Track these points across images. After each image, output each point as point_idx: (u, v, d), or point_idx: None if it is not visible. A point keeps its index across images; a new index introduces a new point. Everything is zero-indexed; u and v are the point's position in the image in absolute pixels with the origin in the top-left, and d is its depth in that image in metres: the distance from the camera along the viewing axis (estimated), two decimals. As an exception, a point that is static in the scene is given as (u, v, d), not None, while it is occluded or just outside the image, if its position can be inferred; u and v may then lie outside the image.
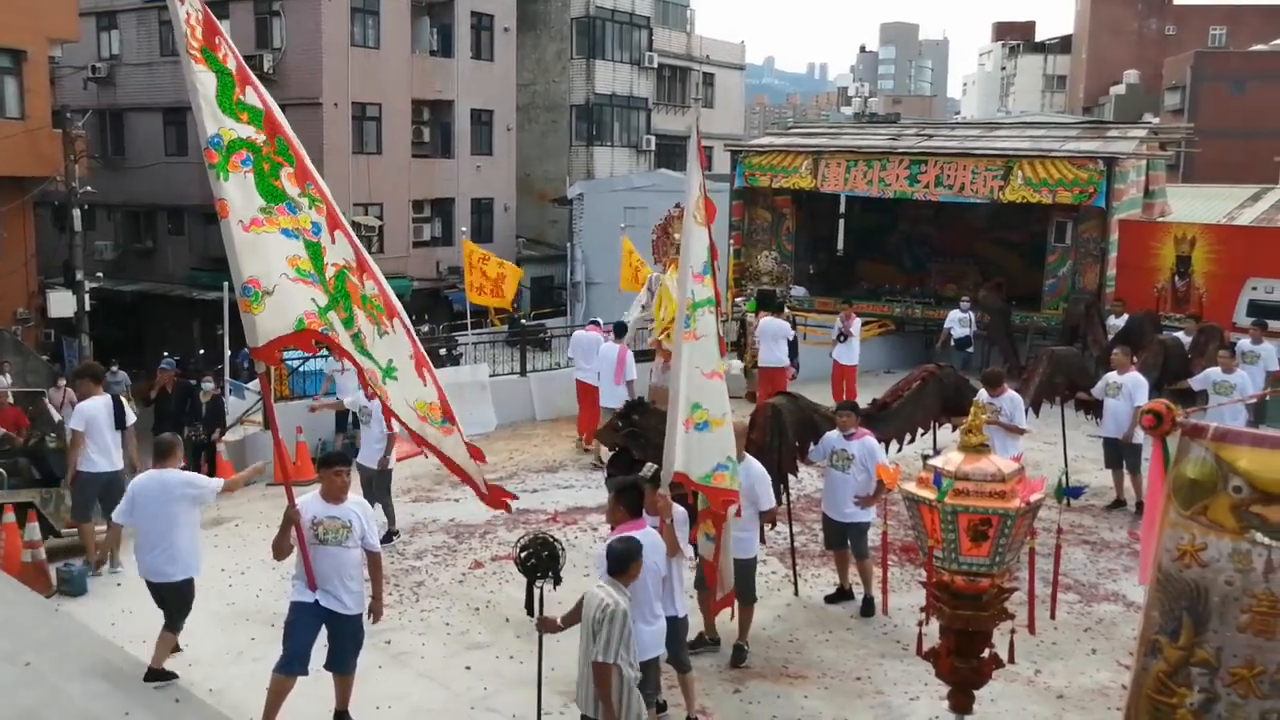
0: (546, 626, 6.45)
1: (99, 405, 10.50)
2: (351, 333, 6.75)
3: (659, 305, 16.35)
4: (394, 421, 7.38)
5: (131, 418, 10.82)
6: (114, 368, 23.69)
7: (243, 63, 6.65)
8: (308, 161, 6.81)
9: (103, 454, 10.46)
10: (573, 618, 6.39)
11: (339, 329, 6.65)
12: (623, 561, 5.98)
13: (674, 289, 15.42)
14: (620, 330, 15.87)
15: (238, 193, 6.51)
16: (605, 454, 15.16)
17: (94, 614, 9.25)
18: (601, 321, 16.56)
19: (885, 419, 10.06)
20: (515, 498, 8.21)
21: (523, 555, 6.61)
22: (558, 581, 6.65)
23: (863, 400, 10.43)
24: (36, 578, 9.94)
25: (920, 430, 10.59)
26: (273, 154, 6.60)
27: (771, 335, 17.36)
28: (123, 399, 10.79)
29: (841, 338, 17.82)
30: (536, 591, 6.57)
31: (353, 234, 7.02)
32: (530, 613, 6.52)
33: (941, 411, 10.62)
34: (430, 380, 7.18)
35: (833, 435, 9.39)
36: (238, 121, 6.53)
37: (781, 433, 9.21)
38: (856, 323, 18.19)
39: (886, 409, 10.14)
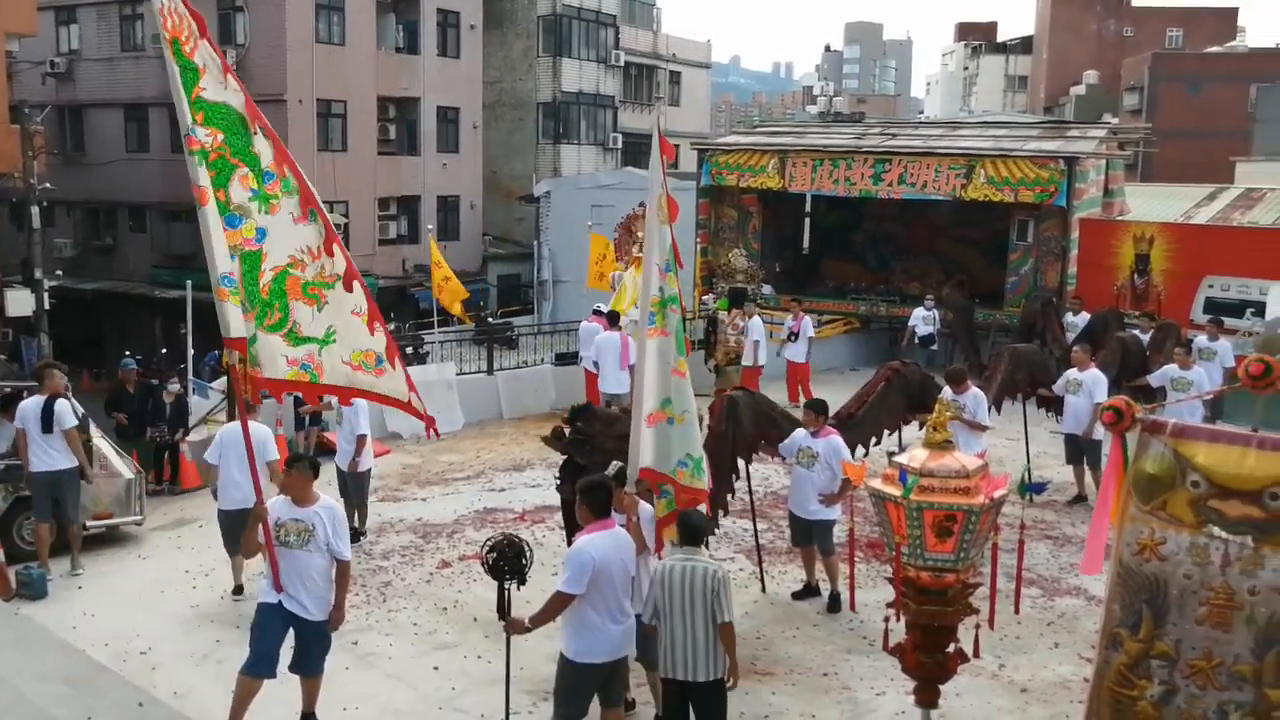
0: (515, 628, 6.44)
1: (31, 405, 10.37)
2: (283, 332, 6.75)
3: (619, 301, 16.40)
4: (326, 395, 7.49)
5: (67, 422, 10.46)
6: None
7: (213, 55, 6.54)
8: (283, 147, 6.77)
9: (37, 455, 10.33)
10: (542, 618, 6.41)
11: (273, 348, 6.74)
12: (700, 532, 6.66)
13: (634, 286, 15.60)
14: (614, 318, 15.98)
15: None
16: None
17: (55, 617, 9.15)
18: (602, 309, 16.64)
19: (853, 427, 10.12)
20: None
21: (490, 556, 6.59)
22: (523, 582, 6.67)
23: (823, 395, 10.47)
24: (-4, 581, 9.81)
25: (888, 431, 10.67)
26: (226, 156, 6.50)
27: (760, 334, 17.52)
28: (56, 402, 10.50)
29: (791, 337, 18.03)
30: (505, 592, 6.57)
31: (324, 211, 6.97)
32: (502, 616, 6.51)
33: (908, 410, 10.69)
34: (381, 331, 7.19)
35: (800, 433, 9.46)
36: (194, 121, 6.43)
37: (737, 421, 9.26)
38: (806, 321, 18.37)
39: (853, 418, 10.18)
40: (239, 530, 7.78)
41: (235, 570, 9.92)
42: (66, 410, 10.48)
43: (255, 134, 6.63)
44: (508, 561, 6.50)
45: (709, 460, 9.04)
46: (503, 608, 6.51)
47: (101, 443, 11.71)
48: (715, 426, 9.20)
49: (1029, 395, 12.92)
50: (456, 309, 21.14)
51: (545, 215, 36.15)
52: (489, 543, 6.68)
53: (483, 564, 6.64)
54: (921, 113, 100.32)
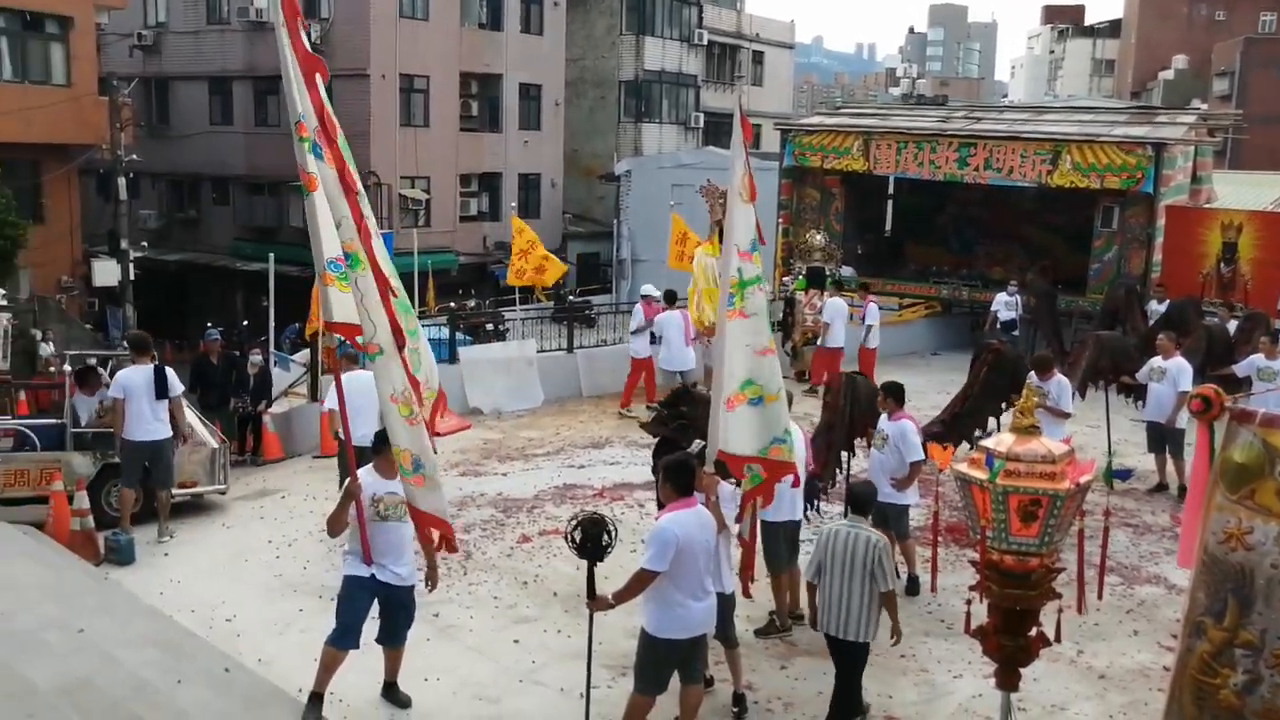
0: (598, 605, 6.50)
1: (137, 374, 10.58)
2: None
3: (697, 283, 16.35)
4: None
5: (178, 388, 10.89)
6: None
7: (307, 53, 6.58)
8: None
9: (141, 423, 10.54)
10: (625, 595, 6.49)
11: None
12: (868, 502, 7.27)
13: (699, 271, 15.60)
14: (671, 297, 16.06)
15: (327, 176, 6.47)
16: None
17: (142, 583, 9.41)
18: (652, 294, 16.70)
19: (962, 419, 10.05)
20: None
21: (575, 534, 6.62)
22: (596, 560, 6.60)
23: (902, 380, 10.40)
24: (85, 546, 10.15)
25: (999, 414, 10.52)
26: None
27: (839, 315, 17.45)
28: (167, 369, 10.90)
29: (858, 322, 18.02)
30: (592, 570, 6.61)
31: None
32: (590, 595, 6.56)
33: (1012, 389, 10.57)
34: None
35: (883, 415, 9.48)
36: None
37: (855, 401, 9.27)
38: (872, 307, 18.26)
39: (958, 416, 10.11)
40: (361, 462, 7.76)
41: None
42: (175, 378, 10.84)
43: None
44: (592, 539, 6.55)
45: (821, 438, 9.15)
46: (591, 587, 6.55)
47: (187, 412, 12.02)
48: (834, 403, 9.26)
49: (1110, 382, 12.76)
50: (548, 282, 21.16)
51: (625, 194, 36.25)
52: (574, 520, 6.72)
53: (567, 540, 6.69)
54: (1005, 96, 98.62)
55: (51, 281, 27.57)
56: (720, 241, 15.18)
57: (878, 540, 6.93)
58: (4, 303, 13.76)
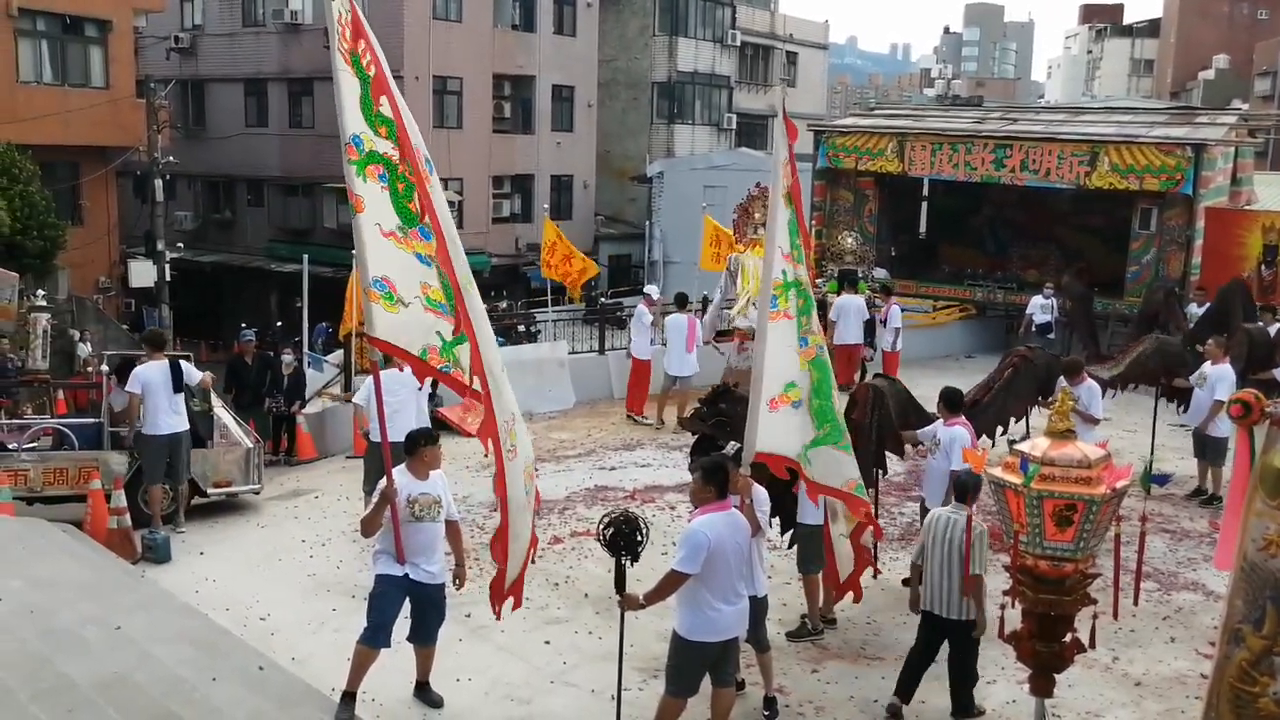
0: (629, 604, 6.51)
1: (154, 369, 10.76)
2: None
3: (744, 284, 16.29)
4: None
5: (194, 377, 11.03)
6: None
7: (384, 70, 6.66)
8: (428, 186, 6.72)
9: (161, 416, 10.74)
10: (656, 596, 6.49)
11: (462, 364, 6.62)
12: (967, 489, 7.42)
13: (751, 269, 15.51)
14: (682, 301, 16.04)
15: (374, 200, 6.53)
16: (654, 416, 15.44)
17: (178, 582, 9.48)
18: (653, 294, 16.72)
19: (979, 414, 9.99)
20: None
21: (607, 532, 6.63)
22: (636, 559, 6.67)
23: (933, 383, 10.37)
24: (122, 544, 10.25)
25: (1014, 419, 10.49)
26: (407, 174, 6.60)
27: (850, 312, 17.41)
28: (182, 361, 11.03)
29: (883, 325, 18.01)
30: (621, 568, 6.64)
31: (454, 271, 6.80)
32: (619, 590, 6.61)
33: (1037, 395, 10.51)
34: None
35: (937, 423, 9.42)
36: (376, 135, 6.55)
37: (882, 412, 9.22)
38: (894, 310, 18.20)
39: (978, 405, 10.05)
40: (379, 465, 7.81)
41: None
42: (192, 368, 11.00)
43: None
44: (624, 537, 6.55)
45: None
46: (620, 582, 6.59)
47: (221, 411, 12.11)
48: (859, 417, 9.09)
49: (1156, 383, 12.64)
50: (579, 282, 21.20)
51: (658, 196, 36.25)
52: (606, 518, 6.73)
53: (599, 539, 6.72)
54: (1042, 97, 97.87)
55: (89, 282, 27.88)
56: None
57: (980, 528, 7.35)
58: (43, 303, 13.91)
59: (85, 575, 8.29)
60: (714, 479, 6.63)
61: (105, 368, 12.16)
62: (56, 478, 10.98)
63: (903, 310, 19.04)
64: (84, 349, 18.85)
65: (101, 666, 6.28)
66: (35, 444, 11.26)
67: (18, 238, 22.51)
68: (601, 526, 6.69)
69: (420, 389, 10.84)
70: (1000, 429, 10.33)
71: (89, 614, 7.26)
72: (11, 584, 7.39)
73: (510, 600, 7.25)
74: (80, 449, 11.27)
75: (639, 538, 6.56)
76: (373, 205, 6.49)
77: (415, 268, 6.59)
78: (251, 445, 12.09)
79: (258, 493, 12.18)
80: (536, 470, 7.14)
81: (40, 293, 15.89)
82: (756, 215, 15.65)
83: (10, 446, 11.18)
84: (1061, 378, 11.11)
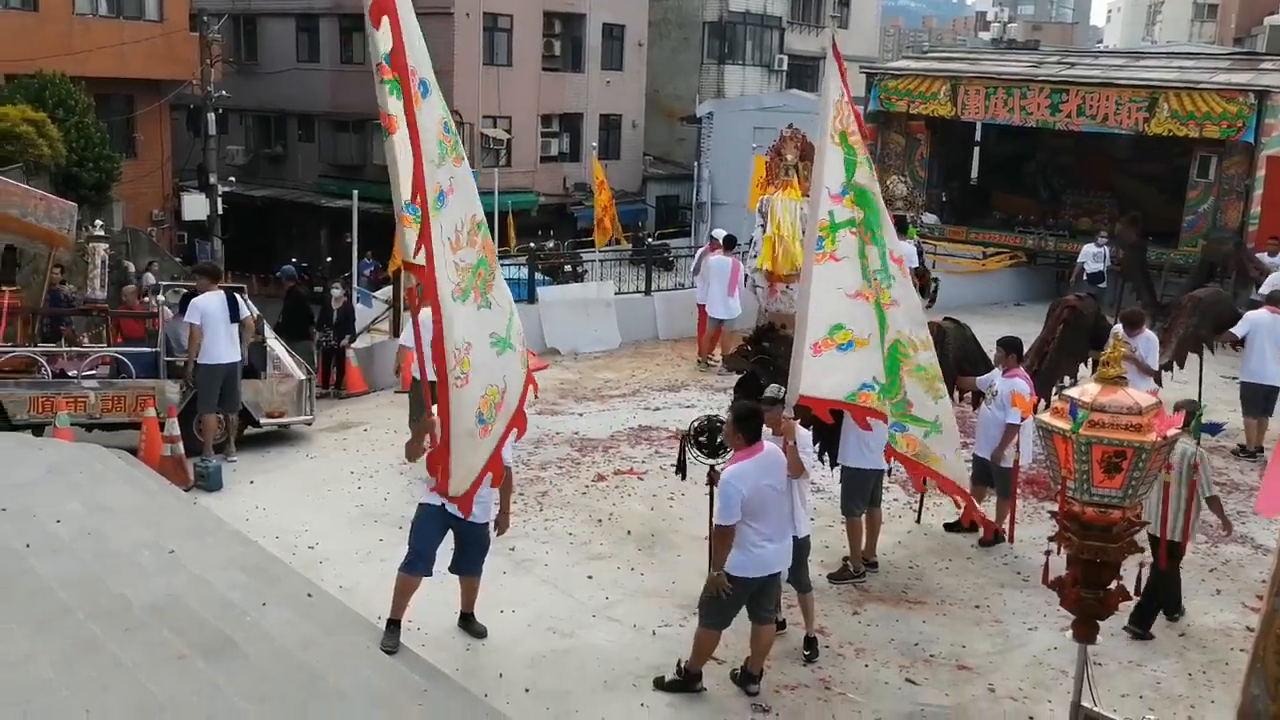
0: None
1: (213, 300, 10.94)
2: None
3: (773, 227, 16.12)
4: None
5: (246, 310, 11.24)
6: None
7: None
8: (415, 107, 6.32)
9: (220, 346, 10.95)
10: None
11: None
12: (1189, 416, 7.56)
13: (780, 211, 15.38)
14: (730, 243, 15.89)
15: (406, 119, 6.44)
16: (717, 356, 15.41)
17: (229, 509, 9.62)
18: (717, 236, 16.55)
19: (1039, 378, 9.87)
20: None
21: (698, 436, 7.42)
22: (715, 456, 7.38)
23: (983, 330, 10.26)
24: (175, 471, 10.42)
25: (1069, 378, 10.32)
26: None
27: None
28: (236, 295, 11.20)
29: None
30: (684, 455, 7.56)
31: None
32: (681, 476, 7.74)
33: (1089, 348, 10.36)
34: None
35: (995, 371, 9.34)
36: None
37: (943, 354, 9.14)
38: (910, 249, 17.85)
39: (1038, 373, 9.91)
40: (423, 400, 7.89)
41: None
42: (246, 301, 11.21)
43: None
44: (708, 434, 7.19)
45: None
46: (684, 469, 7.68)
47: (274, 343, 12.28)
48: None
49: (1211, 343, 12.44)
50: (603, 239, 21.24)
51: (706, 137, 35.91)
52: (696, 422, 7.68)
53: (689, 441, 7.54)
54: (1100, 42, 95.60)
55: (143, 215, 28.20)
56: (799, 185, 15.12)
57: (1194, 451, 7.74)
58: (101, 233, 14.10)
59: (140, 500, 8.46)
60: (744, 425, 6.68)
61: (162, 297, 12.34)
62: (114, 405, 11.19)
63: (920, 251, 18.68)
64: (150, 279, 19.11)
65: (156, 589, 6.42)
66: (94, 372, 11.47)
67: (74, 169, 22.80)
68: (692, 430, 7.58)
69: None
70: (1069, 380, 10.19)
71: (143, 538, 7.41)
72: (70, 507, 7.56)
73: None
74: (137, 377, 11.47)
75: (719, 441, 7.31)
76: (405, 125, 6.42)
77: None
78: (304, 377, 12.27)
79: (309, 424, 12.36)
80: (503, 400, 6.91)
81: (99, 223, 16.06)
82: (789, 157, 15.47)
83: (70, 374, 11.40)
84: (1119, 327, 10.97)
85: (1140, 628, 7.83)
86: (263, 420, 11.91)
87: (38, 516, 7.25)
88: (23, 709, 4.58)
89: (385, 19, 6.22)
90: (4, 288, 12.12)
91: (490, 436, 6.80)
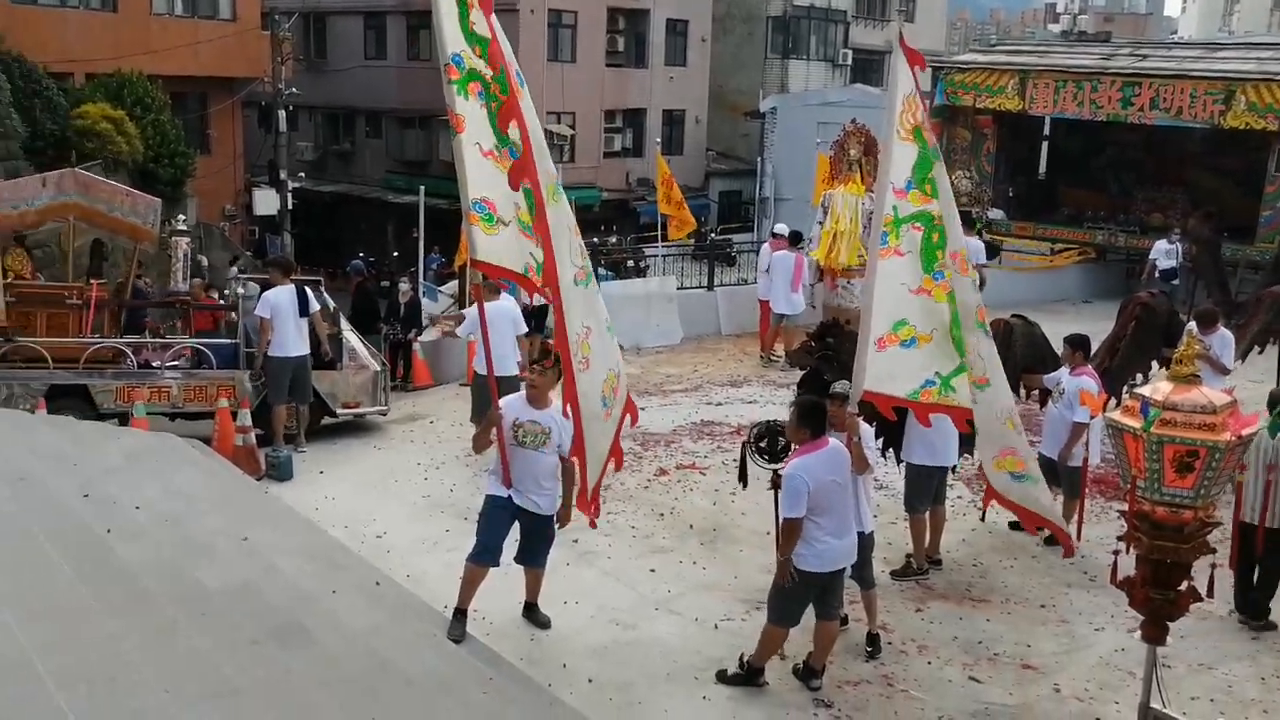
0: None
1: (284, 294, 11.15)
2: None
3: (831, 222, 16.04)
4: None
5: (315, 305, 11.45)
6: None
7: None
8: (519, 99, 6.60)
9: (289, 340, 11.17)
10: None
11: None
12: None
13: (840, 206, 15.31)
14: (795, 239, 15.85)
15: (475, 118, 6.54)
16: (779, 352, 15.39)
17: (299, 498, 9.77)
18: (781, 232, 16.51)
19: (1110, 377, 9.74)
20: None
21: (759, 441, 7.56)
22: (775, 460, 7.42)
23: (1051, 327, 10.13)
24: (247, 461, 10.64)
25: (1141, 376, 10.17)
26: (499, 91, 6.57)
27: (968, 254, 17.03)
28: (307, 288, 11.40)
29: None
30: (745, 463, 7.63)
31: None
32: (744, 484, 7.80)
33: (1161, 346, 10.19)
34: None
35: (1063, 369, 9.24)
36: (473, 54, 6.54)
37: (1007, 350, 9.05)
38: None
39: (1109, 371, 9.79)
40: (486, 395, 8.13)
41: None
42: (314, 296, 11.44)
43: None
44: (771, 443, 7.26)
45: None
46: (745, 477, 7.72)
47: (350, 335, 12.51)
48: None
49: None
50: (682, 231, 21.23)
51: (770, 132, 35.79)
52: (754, 426, 7.92)
53: (750, 448, 7.67)
54: (1174, 33, 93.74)
55: (215, 210, 28.76)
56: (861, 180, 15.10)
57: None
58: (183, 228, 14.48)
59: (213, 489, 8.62)
60: (808, 419, 6.70)
61: (242, 290, 12.63)
62: (196, 395, 11.50)
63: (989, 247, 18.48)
64: (233, 271, 19.61)
65: (231, 575, 6.54)
66: (176, 362, 11.78)
67: (150, 165, 23.33)
68: (752, 435, 7.76)
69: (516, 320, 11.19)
70: (1141, 378, 10.05)
71: (217, 525, 7.55)
72: (148, 494, 7.73)
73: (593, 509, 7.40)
74: (217, 368, 11.75)
75: (779, 445, 7.39)
76: (473, 124, 6.52)
77: (509, 190, 6.64)
78: (379, 368, 12.48)
79: (384, 414, 12.56)
80: (619, 385, 7.12)
81: (180, 217, 16.46)
82: (852, 152, 15.43)
83: (154, 364, 11.70)
84: (1193, 325, 10.80)
85: (1257, 618, 7.95)
86: (339, 410, 12.14)
87: (118, 503, 7.42)
88: (109, 686, 4.73)
89: (478, 14, 6.44)
90: (92, 280, 12.51)
91: (610, 421, 7.05)
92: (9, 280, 12.04)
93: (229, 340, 12.02)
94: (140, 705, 4.66)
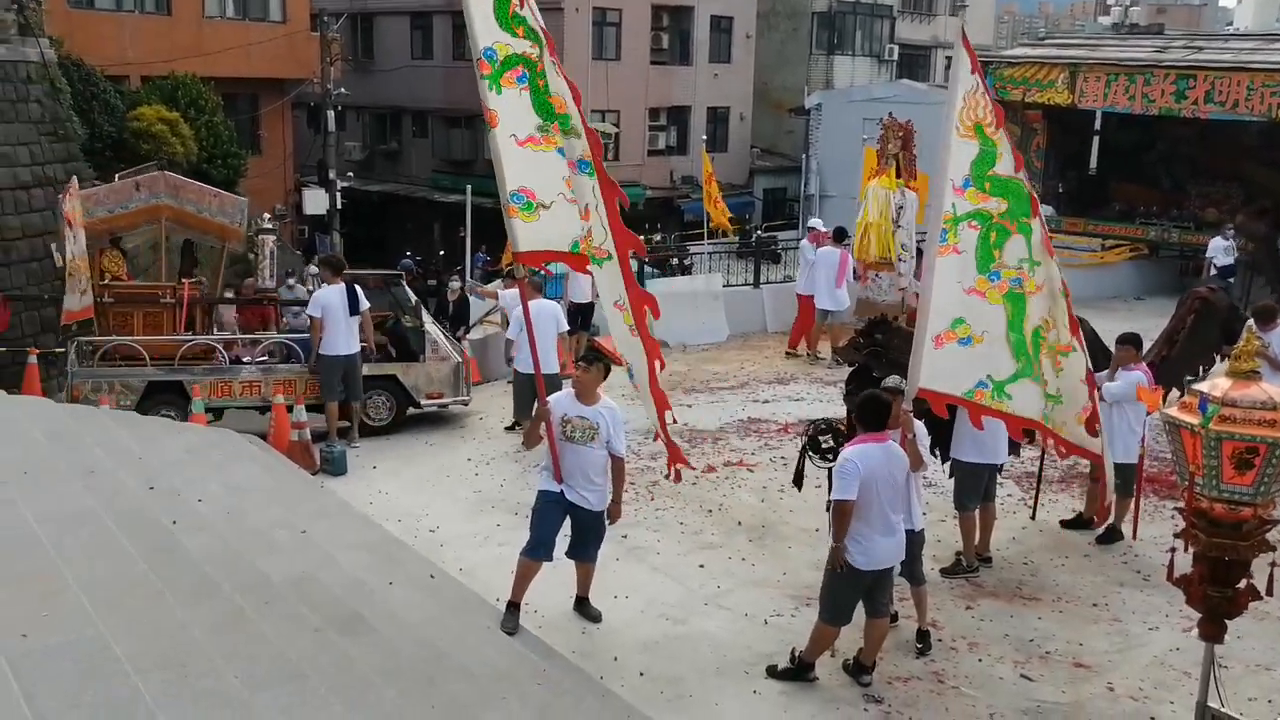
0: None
1: (334, 293, 11.36)
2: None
3: (863, 215, 15.98)
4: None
5: (365, 304, 11.62)
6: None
7: None
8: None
9: (338, 339, 11.38)
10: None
11: (607, 247, 6.91)
12: None
13: (871, 199, 15.29)
14: (840, 235, 15.82)
15: (511, 108, 6.65)
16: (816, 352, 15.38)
17: (353, 493, 9.93)
18: (819, 227, 16.50)
19: (1167, 368, 9.66)
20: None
21: (819, 437, 7.69)
22: (827, 458, 7.53)
23: (1101, 325, 10.05)
24: (302, 456, 10.84)
25: (1203, 368, 10.07)
26: (547, 70, 6.69)
27: None
28: (357, 287, 11.56)
29: None
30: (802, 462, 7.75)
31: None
32: (799, 487, 7.99)
33: (1221, 341, 10.09)
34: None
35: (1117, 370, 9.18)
36: (514, 36, 6.63)
37: (1211, 320, 8.90)
38: None
39: (1166, 360, 9.69)
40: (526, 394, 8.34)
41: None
42: (364, 295, 11.62)
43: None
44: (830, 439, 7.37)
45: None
46: (801, 479, 7.95)
47: (431, 327, 12.70)
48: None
49: None
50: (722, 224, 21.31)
51: (815, 128, 35.70)
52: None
53: (807, 448, 7.80)
54: (1230, 24, 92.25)
55: (267, 209, 29.00)
56: (897, 175, 15.09)
57: None
58: (269, 226, 14.75)
59: (271, 483, 8.81)
60: (869, 412, 6.72)
61: (310, 288, 12.87)
62: (283, 389, 11.73)
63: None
64: (310, 269, 19.97)
65: (292, 566, 6.71)
66: (264, 358, 12.10)
67: (204, 166, 23.69)
68: (811, 430, 7.96)
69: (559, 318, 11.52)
70: (1189, 379, 9.96)
71: (277, 518, 7.73)
72: (211, 487, 7.93)
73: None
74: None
75: (839, 441, 7.46)
76: (507, 116, 6.62)
77: (556, 164, 6.76)
78: (460, 360, 12.66)
79: (466, 404, 12.78)
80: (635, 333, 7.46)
81: (266, 215, 16.72)
82: (890, 146, 15.41)
83: (244, 360, 12.05)
84: (1251, 322, 10.68)
85: None
86: (423, 401, 12.35)
87: (182, 495, 7.62)
88: (181, 671, 4.88)
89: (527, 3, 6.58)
90: (183, 280, 12.81)
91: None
92: (107, 282, 12.38)
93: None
94: (211, 687, 4.81)
